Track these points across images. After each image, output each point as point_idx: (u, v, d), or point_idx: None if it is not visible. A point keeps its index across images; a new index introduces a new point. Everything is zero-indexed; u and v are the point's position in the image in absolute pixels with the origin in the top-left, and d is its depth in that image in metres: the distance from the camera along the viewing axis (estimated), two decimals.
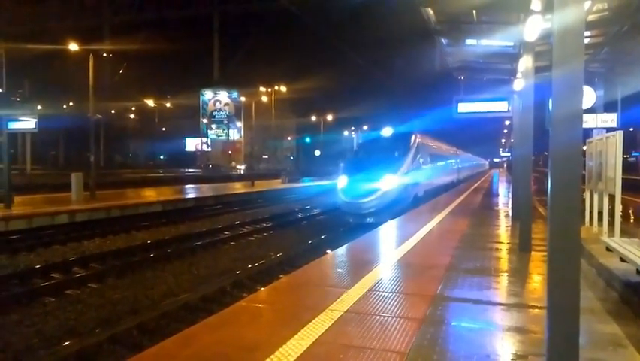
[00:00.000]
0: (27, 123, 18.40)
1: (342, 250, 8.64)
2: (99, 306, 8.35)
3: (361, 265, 7.15)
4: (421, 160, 19.63)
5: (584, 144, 10.32)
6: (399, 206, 16.22)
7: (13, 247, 12.76)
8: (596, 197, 9.91)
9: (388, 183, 16.08)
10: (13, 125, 18.33)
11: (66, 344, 6.58)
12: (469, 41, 11.47)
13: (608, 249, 6.92)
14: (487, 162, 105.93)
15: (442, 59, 12.95)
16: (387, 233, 10.88)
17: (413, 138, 19.42)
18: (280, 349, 4.03)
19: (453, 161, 33.86)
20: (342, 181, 16.96)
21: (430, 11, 9.31)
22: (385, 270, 6.94)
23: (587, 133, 12.47)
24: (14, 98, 20.50)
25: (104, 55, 27.03)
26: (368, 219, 15.60)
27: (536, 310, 5.22)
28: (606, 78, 14.02)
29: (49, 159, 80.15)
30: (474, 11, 9.24)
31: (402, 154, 18.11)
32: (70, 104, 64.48)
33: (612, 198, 8.28)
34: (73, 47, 24.33)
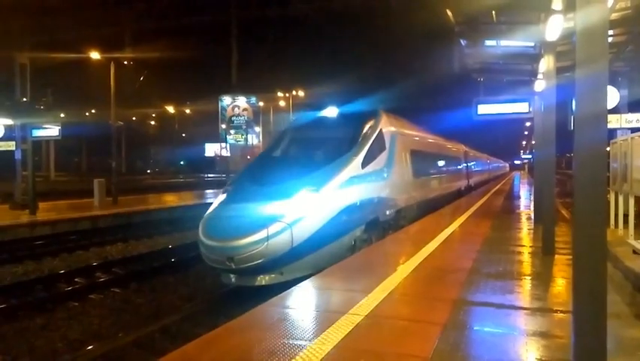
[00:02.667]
0: (51, 131, 18.75)
1: (362, 254, 8.60)
2: (122, 310, 8.45)
3: (381, 269, 7.10)
4: (391, 161, 11.85)
5: (609, 145, 10.14)
6: (329, 251, 8.71)
7: (38, 252, 13.00)
8: (621, 199, 9.71)
9: (298, 208, 8.30)
10: (38, 133, 18.71)
11: (90, 348, 6.68)
12: (488, 42, 11.36)
13: (635, 252, 6.79)
14: (507, 165, 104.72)
15: (461, 60, 12.85)
16: (408, 236, 10.81)
17: (371, 123, 11.38)
18: (301, 353, 4.02)
19: (458, 163, 25.92)
20: (214, 206, 9.20)
21: (449, 13, 9.25)
22: (406, 273, 6.88)
23: (611, 134, 12.25)
24: (38, 106, 20.89)
25: (125, 63, 27.39)
26: (259, 279, 8.11)
27: (561, 315, 5.13)
28: (630, 77, 13.76)
29: (73, 166, 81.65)
30: (493, 12, 9.15)
31: (344, 151, 10.17)
32: (93, 111, 65.66)
33: (638, 199, 8.12)
34: (95, 55, 24.73)
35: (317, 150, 10.74)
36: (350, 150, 10.22)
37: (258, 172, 10.20)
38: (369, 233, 10.30)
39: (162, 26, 25.91)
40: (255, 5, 26.31)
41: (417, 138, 16.02)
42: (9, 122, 19.95)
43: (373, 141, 10.92)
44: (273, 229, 7.83)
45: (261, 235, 7.72)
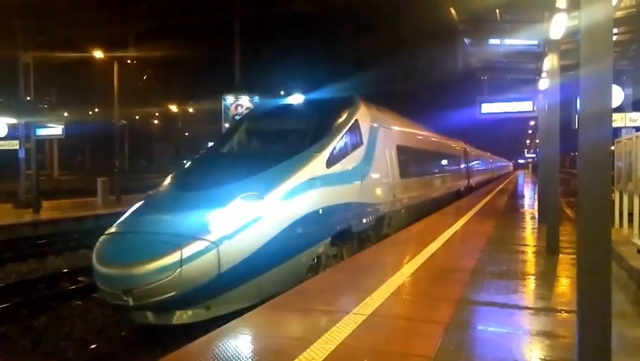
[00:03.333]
0: (54, 130, 18.80)
1: (365, 254, 8.59)
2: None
3: (384, 268, 7.10)
4: (370, 159, 10.04)
5: (613, 144, 10.09)
6: (279, 274, 6.87)
7: (42, 251, 13.03)
8: (625, 198, 9.67)
9: (232, 220, 6.38)
10: (41, 132, 18.77)
11: (93, 346, 6.69)
12: (492, 41, 11.33)
13: (639, 251, 6.76)
14: (510, 164, 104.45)
15: (465, 59, 12.82)
16: (411, 235, 10.79)
17: (345, 113, 9.59)
18: (304, 353, 4.01)
19: (457, 161, 24.05)
20: (120, 219, 7.12)
21: (453, 11, 9.23)
22: (409, 273, 6.88)
23: (616, 133, 12.20)
24: (42, 105, 20.99)
25: (129, 62, 27.46)
26: (178, 317, 6.15)
27: (565, 315, 5.11)
28: (634, 76, 13.69)
29: (76, 165, 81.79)
30: (497, 10, 9.12)
31: (305, 147, 8.30)
32: (96, 110, 65.73)
33: None
34: (98, 54, 24.79)
35: (273, 145, 8.85)
36: (312, 145, 8.20)
37: (193, 173, 8.20)
38: (339, 247, 8.68)
39: (166, 25, 25.92)
40: (259, 4, 26.35)
41: (406, 133, 14.10)
42: (13, 121, 20.03)
43: (345, 133, 9.02)
44: (190, 249, 5.72)
45: (171, 258, 5.62)
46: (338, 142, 8.73)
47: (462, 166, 25.42)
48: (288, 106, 10.54)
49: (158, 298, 5.65)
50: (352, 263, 7.83)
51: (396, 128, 12.90)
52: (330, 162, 8.25)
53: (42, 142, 33.94)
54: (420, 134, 16.29)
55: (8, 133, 20.02)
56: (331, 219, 8.11)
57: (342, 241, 8.78)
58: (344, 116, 9.43)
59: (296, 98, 10.73)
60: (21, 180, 20.76)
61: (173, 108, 74.59)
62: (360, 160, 9.50)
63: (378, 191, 10.49)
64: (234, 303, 6.21)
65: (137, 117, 75.16)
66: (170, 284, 5.61)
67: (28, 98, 21.42)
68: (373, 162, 10.17)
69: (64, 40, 26.44)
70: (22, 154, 20.49)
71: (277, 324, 4.81)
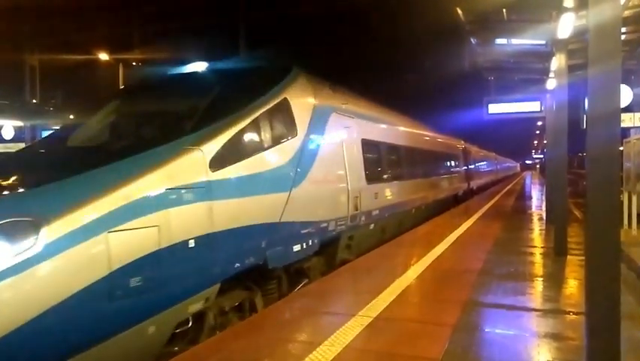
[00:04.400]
0: None
1: (371, 256, 8.56)
2: None
3: (391, 271, 7.06)
4: (312, 156, 7.28)
5: (622, 145, 10.02)
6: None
7: None
8: (634, 199, 9.60)
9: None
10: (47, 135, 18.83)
11: None
12: (499, 40, 11.27)
13: None
14: (517, 165, 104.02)
15: (472, 59, 12.76)
16: (418, 237, 10.74)
17: (267, 88, 6.75)
18: (310, 355, 3.99)
19: (454, 162, 21.17)
20: None
21: (459, 11, 9.19)
22: (415, 275, 6.84)
23: (624, 133, 12.11)
24: (47, 108, 21.17)
25: (134, 64, 27.60)
26: None
27: (573, 316, 5.06)
28: None
29: None
30: (504, 10, 9.07)
31: (178, 133, 5.29)
32: None
33: None
34: (103, 56, 24.92)
35: (132, 135, 5.97)
36: (190, 134, 5.21)
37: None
38: (250, 293, 5.95)
39: (170, 27, 26.04)
40: (264, 6, 26.41)
41: (379, 125, 11.03)
42: (19, 123, 20.15)
43: (260, 117, 6.07)
44: None
45: None
46: (241, 130, 5.67)
47: (461, 167, 22.64)
48: (180, 77, 7.48)
49: None
50: (357, 265, 7.80)
51: (363, 116, 9.66)
52: (222, 161, 5.24)
53: None
54: (401, 128, 13.22)
55: (15, 135, 20.15)
56: (220, 254, 5.09)
57: (256, 283, 6.06)
58: (263, 93, 6.48)
59: (198, 66, 7.60)
60: None
61: None
62: (291, 158, 6.50)
63: (327, 203, 7.58)
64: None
65: None
66: None
67: (34, 101, 21.57)
68: (317, 161, 7.21)
69: (69, 43, 26.61)
70: None
71: (282, 326, 4.79)
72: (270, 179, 6.09)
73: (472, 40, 10.97)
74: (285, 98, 6.77)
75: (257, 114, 6.07)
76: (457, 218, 14.10)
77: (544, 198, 18.56)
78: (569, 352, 4.12)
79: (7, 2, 20.54)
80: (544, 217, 13.91)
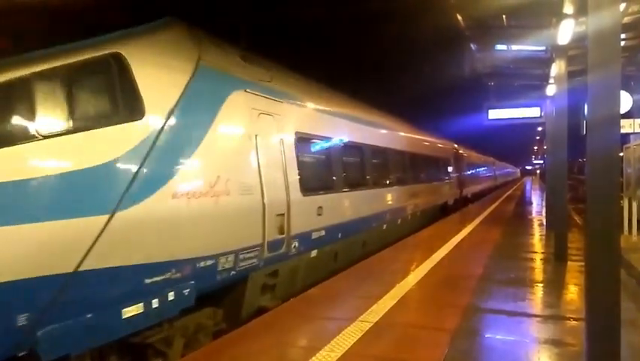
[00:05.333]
0: None
1: (371, 261, 8.55)
2: None
3: (391, 276, 7.06)
4: (177, 153, 4.69)
5: (622, 150, 10.03)
6: None
7: None
8: (635, 204, 9.60)
9: None
10: None
11: None
12: (499, 47, 11.31)
13: None
14: (517, 170, 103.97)
15: (472, 64, 12.80)
16: (418, 242, 10.73)
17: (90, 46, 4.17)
18: (310, 360, 3.99)
19: (440, 167, 18.26)
20: None
21: (459, 17, 9.22)
22: (416, 280, 6.83)
23: (624, 139, 12.12)
24: None
25: None
26: None
27: (574, 322, 5.05)
28: None
29: None
30: (504, 16, 9.11)
31: None
32: None
33: None
34: None
35: None
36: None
37: None
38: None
39: None
40: (266, 10, 26.51)
41: (328, 116, 8.48)
42: None
43: (51, 77, 3.85)
44: None
45: None
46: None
47: (451, 173, 19.88)
48: None
49: None
50: (359, 271, 7.79)
51: (300, 103, 7.39)
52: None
53: None
54: (365, 123, 10.25)
55: None
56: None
57: None
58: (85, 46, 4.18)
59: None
60: None
61: None
62: (124, 155, 4.16)
63: (212, 226, 5.08)
64: None
65: None
66: None
67: None
68: (193, 160, 4.91)
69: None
70: None
71: (282, 331, 4.78)
72: (62, 190, 3.64)
73: (472, 46, 11.01)
74: (117, 54, 4.31)
75: (42, 71, 3.74)
76: (458, 223, 14.09)
77: (544, 203, 18.54)
78: (569, 358, 4.11)
79: None
80: (545, 223, 13.90)
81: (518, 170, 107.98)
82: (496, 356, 4.23)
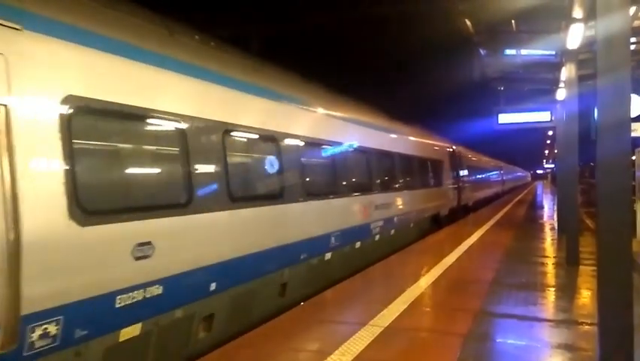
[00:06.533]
0: None
1: (382, 265, 8.55)
2: None
3: (402, 280, 7.06)
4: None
5: (633, 154, 9.96)
6: None
7: None
8: None
9: None
10: None
11: None
12: (508, 51, 11.29)
13: None
14: (528, 174, 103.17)
15: (481, 69, 12.78)
16: (429, 246, 10.71)
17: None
18: None
19: (433, 170, 15.00)
20: None
21: (468, 22, 9.23)
22: (426, 284, 6.83)
23: (636, 142, 12.02)
24: None
25: None
26: None
27: (586, 327, 5.02)
28: None
29: None
30: (513, 21, 9.10)
31: None
32: None
33: None
34: None
35: None
36: None
37: None
38: None
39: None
40: (275, 17, 26.63)
41: (282, 104, 6.48)
42: None
43: None
44: None
45: None
46: None
47: (446, 178, 17.02)
48: None
49: None
50: (370, 275, 7.79)
51: (226, 82, 5.44)
52: None
53: None
54: (317, 113, 7.77)
55: None
56: None
57: None
58: None
59: None
60: None
61: None
62: None
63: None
64: None
65: None
66: None
67: None
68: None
69: None
70: None
71: (294, 336, 4.80)
72: None
73: (481, 51, 11.00)
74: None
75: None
76: (469, 227, 14.04)
77: (555, 207, 18.42)
78: None
79: None
80: (556, 227, 13.82)
81: (529, 174, 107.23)
82: (507, 360, 4.22)
